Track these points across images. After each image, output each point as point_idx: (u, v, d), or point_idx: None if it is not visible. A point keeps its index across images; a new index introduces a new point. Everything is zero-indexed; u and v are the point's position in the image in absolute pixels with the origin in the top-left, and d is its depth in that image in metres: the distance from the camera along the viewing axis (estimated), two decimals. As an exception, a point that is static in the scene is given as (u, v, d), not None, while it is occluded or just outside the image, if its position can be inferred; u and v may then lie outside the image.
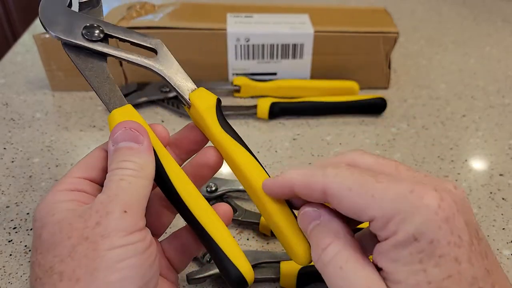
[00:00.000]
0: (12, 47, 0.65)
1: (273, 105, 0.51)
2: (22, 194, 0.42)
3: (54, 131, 0.50)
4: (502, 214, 0.41)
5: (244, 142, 0.29)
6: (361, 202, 0.21)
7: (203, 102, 0.29)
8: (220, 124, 0.28)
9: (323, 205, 0.25)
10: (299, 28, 0.53)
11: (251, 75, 0.55)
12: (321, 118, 0.52)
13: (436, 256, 0.20)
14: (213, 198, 0.41)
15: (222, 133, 0.28)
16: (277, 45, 0.53)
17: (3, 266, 0.36)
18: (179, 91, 0.29)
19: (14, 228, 0.39)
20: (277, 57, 0.54)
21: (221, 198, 0.41)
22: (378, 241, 0.22)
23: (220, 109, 0.29)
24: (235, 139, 0.28)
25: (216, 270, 0.34)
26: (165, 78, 0.29)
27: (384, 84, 0.57)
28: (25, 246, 0.38)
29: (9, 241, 0.38)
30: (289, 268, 0.34)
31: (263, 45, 0.53)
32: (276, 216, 0.26)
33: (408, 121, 0.52)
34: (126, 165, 0.24)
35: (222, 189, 0.41)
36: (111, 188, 0.24)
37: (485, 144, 0.49)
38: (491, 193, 0.43)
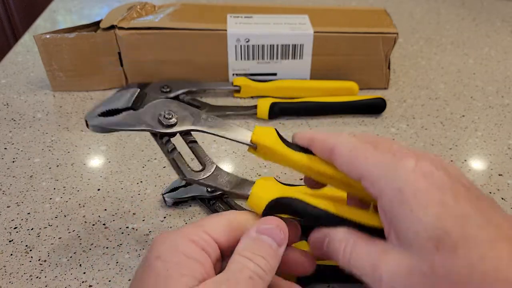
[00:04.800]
0: (13, 47, 0.65)
1: (273, 105, 0.51)
2: (23, 194, 0.42)
3: (55, 131, 0.50)
4: (501, 214, 0.41)
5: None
6: (355, 162, 0.26)
7: (267, 139, 0.30)
8: (294, 150, 0.30)
9: (326, 227, 0.28)
10: (299, 28, 0.53)
11: (251, 76, 0.55)
12: (321, 118, 0.53)
13: (423, 205, 0.22)
14: (213, 198, 0.41)
15: (302, 156, 0.30)
16: (277, 46, 0.54)
17: (4, 266, 0.36)
18: (241, 142, 0.31)
19: (15, 228, 0.39)
20: (277, 58, 0.55)
21: (221, 198, 0.41)
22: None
23: (282, 137, 0.31)
24: (306, 153, 0.30)
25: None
26: (224, 137, 0.31)
27: (384, 84, 0.57)
28: (26, 246, 0.38)
29: (9, 241, 0.38)
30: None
31: (263, 46, 0.54)
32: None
33: (407, 121, 0.53)
34: (261, 262, 0.23)
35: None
36: (237, 282, 0.22)
37: (484, 144, 0.49)
38: (490, 193, 0.43)
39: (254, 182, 0.30)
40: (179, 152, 0.31)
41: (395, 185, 0.23)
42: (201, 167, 0.30)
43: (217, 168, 0.30)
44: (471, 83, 0.60)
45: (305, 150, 0.30)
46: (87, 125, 0.30)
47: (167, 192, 0.41)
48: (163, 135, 0.31)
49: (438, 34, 0.71)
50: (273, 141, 0.30)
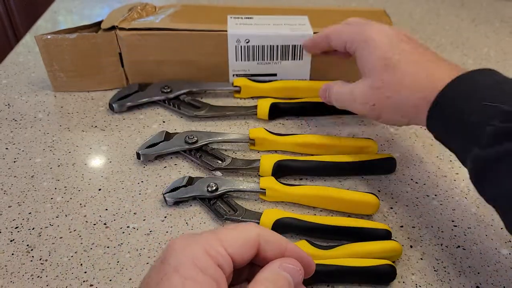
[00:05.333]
0: (14, 48, 0.65)
1: (273, 106, 0.51)
2: (24, 193, 0.43)
3: (56, 131, 0.50)
4: (500, 214, 0.41)
5: None
6: (340, 35, 0.44)
7: (260, 133, 0.47)
8: (280, 135, 0.47)
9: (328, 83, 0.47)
10: (298, 29, 0.54)
11: (251, 76, 0.56)
12: (320, 119, 0.53)
13: (377, 46, 0.40)
14: (213, 197, 0.41)
15: (286, 138, 0.47)
16: (277, 46, 0.54)
17: (5, 266, 0.36)
18: (243, 141, 0.48)
19: (16, 227, 0.39)
20: (277, 58, 0.55)
21: (221, 197, 0.41)
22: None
23: (270, 131, 0.48)
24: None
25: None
26: (230, 141, 0.48)
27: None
28: (27, 245, 0.38)
29: (11, 241, 0.38)
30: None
31: (263, 46, 0.54)
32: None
33: (407, 121, 0.53)
34: None
35: (222, 189, 0.41)
36: None
37: (483, 145, 0.50)
38: (489, 193, 0.43)
39: (259, 159, 0.44)
40: (205, 156, 0.45)
41: (362, 38, 0.41)
42: (221, 161, 0.45)
43: (232, 158, 0.45)
44: (471, 83, 0.60)
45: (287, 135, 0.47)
46: (138, 156, 0.46)
47: (167, 192, 0.41)
48: (190, 150, 0.46)
49: (438, 35, 0.72)
50: (264, 134, 0.47)
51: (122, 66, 0.55)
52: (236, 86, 0.54)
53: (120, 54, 0.54)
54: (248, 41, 0.53)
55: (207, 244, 0.24)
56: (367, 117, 0.43)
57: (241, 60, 0.55)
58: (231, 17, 0.55)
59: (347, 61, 0.56)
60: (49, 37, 0.51)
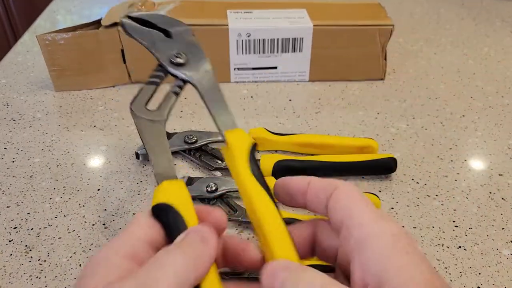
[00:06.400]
0: (13, 47, 0.65)
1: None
2: (22, 194, 0.42)
3: (55, 131, 0.50)
4: (501, 214, 0.41)
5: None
6: (351, 209, 0.24)
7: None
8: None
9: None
10: (298, 22, 0.54)
11: (252, 70, 0.56)
12: (320, 118, 0.53)
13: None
14: (213, 198, 0.41)
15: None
16: (278, 40, 0.54)
17: (4, 266, 0.36)
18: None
19: (15, 228, 0.39)
20: (277, 51, 0.55)
21: (221, 198, 0.41)
22: None
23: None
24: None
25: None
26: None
27: (380, 75, 0.58)
28: (26, 246, 0.38)
29: (9, 241, 0.38)
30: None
31: (264, 40, 0.54)
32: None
33: (407, 121, 0.53)
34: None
35: (222, 189, 0.41)
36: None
37: (484, 144, 0.49)
38: (490, 193, 0.43)
39: (259, 159, 0.35)
40: (204, 156, 0.38)
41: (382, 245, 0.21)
42: (221, 161, 0.41)
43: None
44: (471, 83, 0.60)
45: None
46: (138, 156, 0.44)
47: (167, 192, 0.41)
48: (190, 149, 0.41)
49: (438, 34, 0.71)
50: (264, 134, 0.41)
51: (124, 62, 0.55)
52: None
53: (122, 50, 0.54)
54: (249, 35, 0.53)
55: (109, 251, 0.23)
56: None
57: (242, 53, 0.55)
58: (230, 12, 0.55)
59: (348, 55, 0.57)
60: (51, 36, 0.51)
